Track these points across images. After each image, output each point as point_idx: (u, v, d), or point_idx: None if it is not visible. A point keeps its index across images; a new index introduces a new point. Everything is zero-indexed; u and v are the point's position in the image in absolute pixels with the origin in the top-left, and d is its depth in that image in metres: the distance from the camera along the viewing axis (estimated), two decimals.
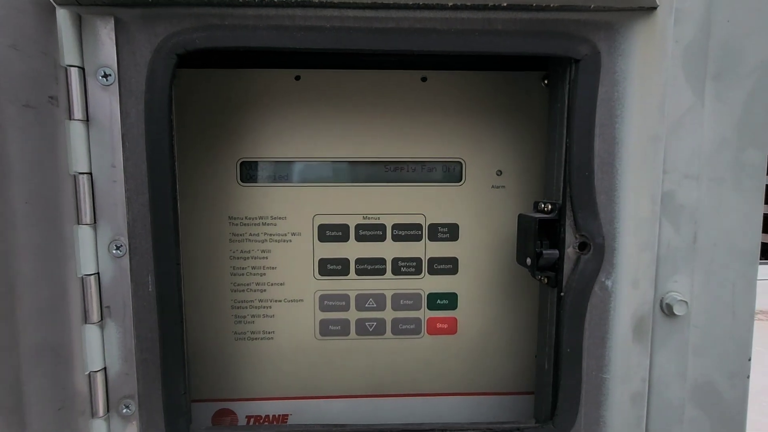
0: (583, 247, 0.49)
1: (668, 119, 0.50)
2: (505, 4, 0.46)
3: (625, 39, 0.48)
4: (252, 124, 0.62)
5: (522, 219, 0.54)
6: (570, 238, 0.49)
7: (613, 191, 0.49)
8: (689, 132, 0.50)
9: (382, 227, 0.64)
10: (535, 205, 0.55)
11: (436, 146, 0.63)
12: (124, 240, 0.48)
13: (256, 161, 0.62)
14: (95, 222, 0.47)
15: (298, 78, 0.61)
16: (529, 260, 0.52)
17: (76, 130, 0.45)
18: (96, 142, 0.46)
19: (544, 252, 0.49)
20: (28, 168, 0.41)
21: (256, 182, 0.63)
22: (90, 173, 0.46)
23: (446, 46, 0.47)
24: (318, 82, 0.61)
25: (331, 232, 0.64)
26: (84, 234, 0.46)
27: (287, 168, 0.63)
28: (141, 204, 0.47)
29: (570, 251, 0.49)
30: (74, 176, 0.46)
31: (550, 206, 0.51)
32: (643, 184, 0.49)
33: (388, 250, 0.64)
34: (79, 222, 0.46)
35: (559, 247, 0.50)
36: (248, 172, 0.63)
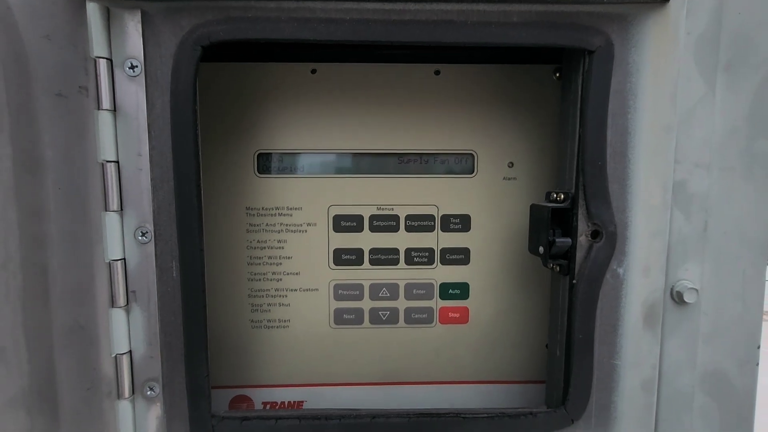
0: (595, 235, 0.50)
1: (680, 109, 0.51)
2: None
3: (638, 30, 0.49)
4: (269, 117, 0.63)
5: (534, 208, 0.55)
6: (582, 227, 0.50)
7: (626, 180, 0.50)
8: (701, 122, 0.51)
9: (396, 218, 0.65)
10: (547, 195, 0.56)
11: (448, 138, 0.64)
12: (150, 227, 0.49)
13: (273, 153, 0.64)
14: (122, 209, 0.49)
15: (314, 71, 0.63)
16: (541, 249, 0.53)
17: (104, 119, 0.47)
18: (123, 132, 0.48)
19: (557, 240, 0.50)
20: (59, 155, 0.43)
21: (272, 173, 0.64)
22: (117, 161, 0.48)
23: (463, 37, 0.48)
24: (333, 75, 0.63)
25: (346, 223, 0.65)
26: (111, 220, 0.48)
27: (303, 159, 0.64)
28: (166, 192, 0.49)
29: (582, 239, 0.50)
30: (102, 164, 0.47)
31: (562, 195, 0.52)
32: (655, 174, 0.50)
33: (402, 240, 0.65)
34: (106, 209, 0.48)
35: (571, 235, 0.51)
36: (265, 163, 0.64)
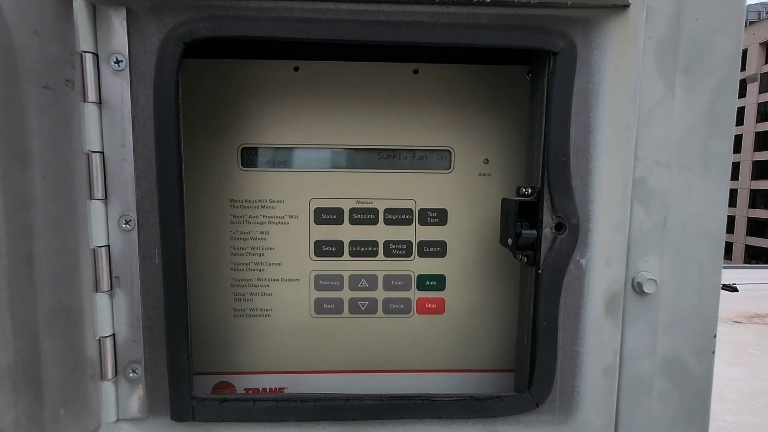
0: (559, 227, 0.53)
1: (641, 110, 0.53)
2: (488, 0, 0.49)
3: (600, 34, 0.51)
4: (253, 112, 0.65)
5: (504, 202, 0.58)
6: (547, 219, 0.53)
7: (588, 176, 0.53)
8: (660, 122, 0.54)
9: (375, 211, 0.68)
10: (517, 189, 0.58)
11: (426, 135, 0.67)
12: (133, 215, 0.51)
13: (257, 147, 0.66)
14: (106, 198, 0.51)
15: (296, 69, 0.65)
16: (510, 240, 0.55)
17: (90, 111, 0.49)
18: (108, 123, 0.50)
19: (523, 232, 0.53)
20: (46, 145, 0.45)
21: (256, 167, 0.66)
22: (102, 152, 0.50)
23: (434, 38, 0.51)
24: (316, 73, 0.65)
25: (327, 216, 0.67)
26: (96, 208, 0.50)
27: (286, 154, 0.67)
28: (149, 182, 0.51)
29: (547, 231, 0.53)
30: (87, 154, 0.49)
31: (530, 190, 0.55)
32: (615, 170, 0.53)
33: (381, 233, 0.68)
34: (91, 197, 0.50)
35: (537, 227, 0.53)
36: (249, 157, 0.66)
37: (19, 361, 0.41)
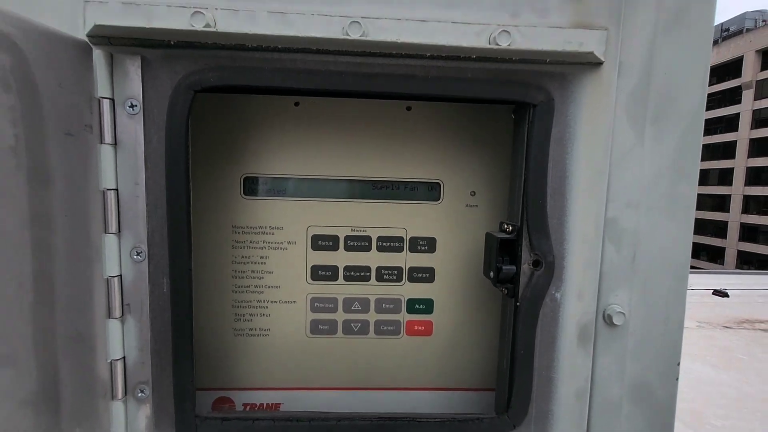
0: (536, 264, 0.57)
1: (613, 156, 0.58)
2: (474, 57, 0.54)
3: (575, 88, 0.56)
4: (255, 144, 0.70)
5: (488, 237, 0.63)
6: (526, 256, 0.58)
7: (564, 216, 0.57)
8: (631, 167, 0.59)
9: (368, 239, 0.72)
10: (500, 225, 0.63)
11: (417, 168, 0.71)
12: (144, 247, 0.55)
13: (258, 177, 0.70)
14: (119, 231, 0.55)
15: (297, 104, 0.69)
16: (492, 274, 0.60)
17: (106, 152, 0.53)
18: (122, 163, 0.54)
19: (503, 267, 0.58)
20: (67, 186, 0.49)
21: (257, 195, 0.71)
22: (116, 189, 0.54)
23: (424, 90, 0.55)
24: (315, 108, 0.69)
25: (323, 242, 0.72)
26: (110, 241, 0.54)
27: (285, 183, 0.71)
28: (159, 217, 0.55)
29: (525, 267, 0.57)
30: (103, 192, 0.54)
31: (511, 227, 0.60)
32: (589, 211, 0.58)
33: (373, 259, 0.72)
34: (106, 231, 0.54)
35: (516, 263, 0.58)
36: (250, 186, 0.71)
37: (41, 386, 0.45)
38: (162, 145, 0.54)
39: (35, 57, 0.44)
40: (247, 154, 0.70)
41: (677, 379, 0.61)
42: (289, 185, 0.71)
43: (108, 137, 0.53)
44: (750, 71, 30.06)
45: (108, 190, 0.54)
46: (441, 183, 0.72)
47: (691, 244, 0.60)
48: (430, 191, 0.72)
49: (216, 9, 0.52)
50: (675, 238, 0.60)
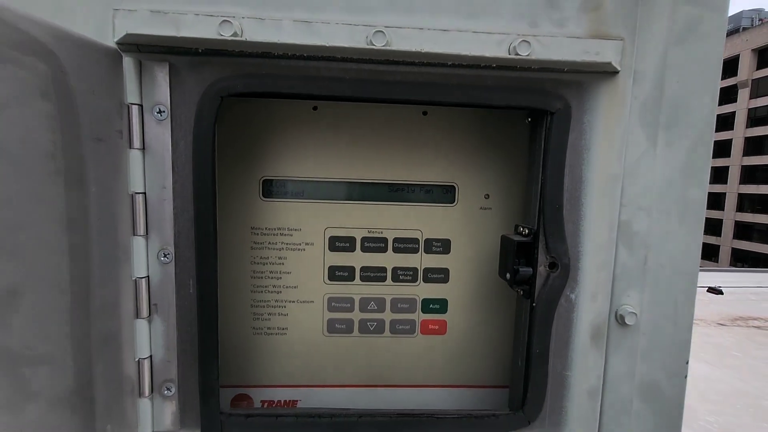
0: (552, 266, 0.59)
1: (626, 161, 0.60)
2: (494, 65, 0.56)
3: (591, 96, 0.58)
4: (274, 147, 0.71)
5: (504, 240, 0.64)
6: (542, 259, 0.59)
7: (579, 221, 0.59)
8: (643, 172, 0.61)
9: (385, 240, 0.74)
10: (516, 227, 0.65)
11: (433, 171, 0.73)
12: (171, 249, 0.57)
13: (277, 179, 0.72)
14: (147, 233, 0.56)
15: (315, 108, 0.71)
16: (508, 275, 0.62)
17: (135, 157, 0.54)
18: (150, 167, 0.55)
19: (520, 269, 0.59)
20: (99, 191, 0.50)
21: (275, 197, 0.72)
22: (144, 193, 0.56)
23: (444, 97, 0.57)
24: (333, 112, 0.71)
25: (340, 243, 0.73)
26: (138, 244, 0.56)
27: (303, 186, 0.72)
28: (186, 219, 0.57)
29: (541, 269, 0.59)
30: (132, 195, 0.55)
31: (527, 230, 0.61)
32: (603, 215, 0.59)
33: (389, 260, 0.74)
34: (134, 233, 0.55)
35: (532, 265, 0.60)
36: (269, 188, 0.72)
37: (77, 385, 0.47)
38: (189, 150, 0.56)
39: (71, 65, 0.46)
40: (265, 156, 0.71)
41: (686, 377, 0.63)
42: (307, 187, 0.72)
43: (137, 142, 0.54)
44: (746, 70, 30.21)
45: (136, 193, 0.55)
46: (456, 186, 0.73)
47: (701, 247, 0.62)
48: (445, 194, 0.74)
49: (243, 18, 0.53)
50: (685, 240, 0.62)
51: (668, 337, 0.63)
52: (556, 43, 0.54)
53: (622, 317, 0.61)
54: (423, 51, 0.53)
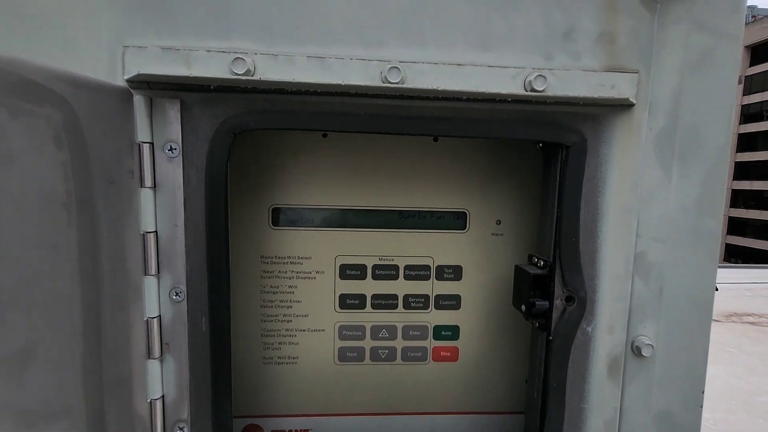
0: (569, 299, 0.59)
1: (641, 191, 0.60)
2: (509, 99, 0.55)
3: (607, 129, 0.57)
4: (282, 175, 0.70)
5: (519, 271, 0.64)
6: (558, 292, 0.59)
7: (595, 253, 0.59)
8: (658, 203, 0.60)
9: (396, 268, 0.73)
10: (530, 258, 0.64)
11: (444, 197, 0.72)
12: (183, 287, 0.56)
13: (286, 207, 0.71)
14: (158, 272, 0.55)
15: (325, 135, 0.70)
16: (523, 307, 0.61)
17: (146, 196, 0.53)
18: (161, 205, 0.54)
19: (536, 303, 0.59)
20: (111, 233, 0.49)
21: (285, 226, 0.71)
22: (155, 231, 0.55)
23: (460, 131, 0.56)
24: (342, 140, 0.70)
25: (351, 271, 0.73)
26: (150, 283, 0.55)
27: (313, 214, 0.72)
28: (198, 256, 0.56)
29: (558, 303, 0.59)
30: (143, 235, 0.54)
31: (542, 262, 0.61)
32: (619, 247, 0.59)
33: (401, 287, 0.73)
34: (146, 273, 0.54)
35: (549, 298, 0.59)
36: (279, 216, 0.71)
37: (90, 430, 0.46)
38: (200, 187, 0.55)
39: (83, 109, 0.44)
40: (274, 184, 0.70)
41: (701, 406, 0.63)
42: (317, 215, 0.72)
43: (148, 181, 0.53)
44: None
45: (147, 232, 0.54)
46: (467, 212, 0.73)
47: (716, 276, 0.62)
48: (457, 220, 0.73)
49: (255, 54, 0.52)
50: (700, 271, 0.61)
51: (684, 367, 0.63)
52: (571, 77, 0.54)
53: (639, 349, 0.61)
54: (439, 89, 0.52)
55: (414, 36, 0.54)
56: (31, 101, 0.38)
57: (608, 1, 0.55)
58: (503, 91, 0.53)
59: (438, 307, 0.74)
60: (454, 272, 0.74)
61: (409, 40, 0.54)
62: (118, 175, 0.50)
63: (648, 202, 0.60)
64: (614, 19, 0.56)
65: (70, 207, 0.43)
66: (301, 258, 0.72)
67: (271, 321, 0.73)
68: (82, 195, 0.45)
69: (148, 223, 0.54)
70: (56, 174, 0.41)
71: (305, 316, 0.73)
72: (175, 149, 0.54)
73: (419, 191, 0.72)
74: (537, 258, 0.62)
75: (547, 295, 0.60)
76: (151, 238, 0.54)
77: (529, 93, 0.53)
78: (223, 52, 0.51)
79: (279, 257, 0.72)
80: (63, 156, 0.41)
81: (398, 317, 0.74)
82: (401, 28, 0.54)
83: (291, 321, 0.73)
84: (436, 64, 0.54)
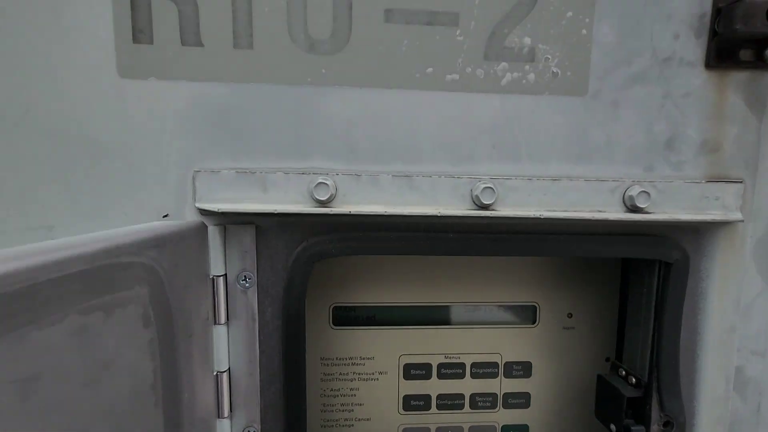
0: (666, 425, 0.55)
1: (740, 304, 0.56)
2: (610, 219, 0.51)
3: (709, 242, 0.54)
4: (344, 272, 0.65)
5: (607, 386, 0.60)
6: (655, 416, 0.55)
7: (694, 374, 0.55)
8: (758, 314, 0.57)
9: (462, 366, 0.69)
10: (614, 366, 0.60)
11: (512, 291, 0.68)
12: (257, 426, 0.51)
13: (348, 306, 0.66)
14: (231, 412, 0.51)
15: None
16: (613, 427, 0.57)
17: (220, 333, 0.49)
18: (235, 340, 0.50)
19: (632, 428, 0.55)
20: (190, 389, 0.45)
21: (346, 325, 0.67)
22: (228, 370, 0.50)
23: (555, 251, 0.52)
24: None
25: (416, 371, 0.68)
26: (223, 427, 0.50)
27: (375, 311, 0.67)
28: (273, 392, 0.51)
29: (655, 428, 0.55)
30: (216, 375, 0.49)
31: (634, 379, 0.57)
32: (719, 367, 0.55)
33: (467, 386, 0.69)
34: (219, 416, 0.50)
35: (645, 422, 0.55)
36: (340, 315, 0.66)
37: None
38: (275, 317, 0.50)
39: (166, 270, 0.40)
40: (335, 282, 0.65)
41: None
42: (380, 313, 0.67)
43: (222, 317, 0.48)
44: None
45: (220, 372, 0.49)
46: (537, 305, 0.69)
47: None
48: (526, 314, 0.69)
49: (337, 174, 0.47)
50: None
51: None
52: (672, 189, 0.50)
53: None
54: (542, 216, 0.48)
55: (506, 150, 0.50)
56: (122, 287, 0.33)
57: (716, 109, 0.51)
58: (609, 218, 0.49)
59: (506, 405, 0.70)
60: (524, 369, 0.69)
61: (502, 155, 0.50)
62: (197, 327, 0.45)
63: (747, 314, 0.56)
64: (720, 126, 0.52)
65: (156, 386, 0.38)
66: (363, 358, 0.68)
67: (332, 427, 0.68)
68: (167, 366, 0.40)
69: (221, 363, 0.49)
70: (145, 356, 0.36)
71: (367, 419, 0.68)
72: (250, 279, 0.49)
73: (486, 285, 0.67)
74: (625, 371, 0.58)
75: (643, 419, 0.56)
76: (224, 377, 0.50)
77: (632, 215, 0.49)
78: (303, 173, 0.47)
79: (339, 358, 0.67)
80: (150, 333, 0.37)
81: (464, 417, 0.70)
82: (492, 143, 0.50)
83: (353, 426, 0.68)
84: (530, 179, 0.50)
